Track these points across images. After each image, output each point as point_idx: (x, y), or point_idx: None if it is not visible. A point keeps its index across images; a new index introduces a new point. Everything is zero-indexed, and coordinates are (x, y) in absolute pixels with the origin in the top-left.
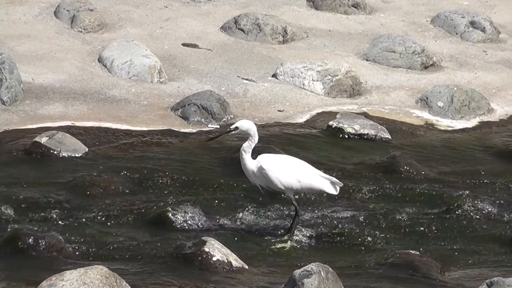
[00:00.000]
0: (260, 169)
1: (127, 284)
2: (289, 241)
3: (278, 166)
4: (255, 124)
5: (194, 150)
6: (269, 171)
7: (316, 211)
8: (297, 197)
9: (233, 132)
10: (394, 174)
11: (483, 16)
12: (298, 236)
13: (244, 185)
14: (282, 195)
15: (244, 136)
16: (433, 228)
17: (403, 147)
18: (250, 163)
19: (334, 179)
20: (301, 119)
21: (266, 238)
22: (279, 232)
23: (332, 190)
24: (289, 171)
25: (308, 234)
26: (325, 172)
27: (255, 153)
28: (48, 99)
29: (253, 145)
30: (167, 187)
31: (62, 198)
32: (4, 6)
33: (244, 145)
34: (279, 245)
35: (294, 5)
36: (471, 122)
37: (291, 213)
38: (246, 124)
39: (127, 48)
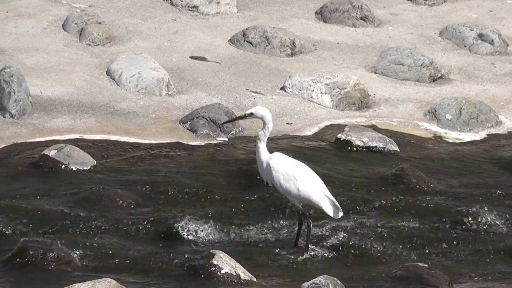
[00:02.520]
0: (268, 165)
1: None
2: (305, 254)
3: (284, 168)
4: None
5: (203, 163)
6: (273, 170)
7: (324, 224)
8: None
9: (248, 117)
10: (403, 186)
11: (492, 29)
12: (301, 250)
13: (253, 198)
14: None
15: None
16: (442, 241)
17: (411, 160)
18: (264, 154)
19: (337, 204)
20: (310, 132)
21: (274, 250)
22: (287, 245)
23: (331, 212)
24: (292, 177)
25: (316, 247)
26: (333, 185)
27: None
28: (56, 112)
29: (267, 133)
30: (175, 200)
31: (70, 211)
32: (12, 19)
33: (259, 133)
34: (297, 258)
35: (303, 17)
36: (480, 135)
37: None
38: (261, 111)
39: (135, 61)
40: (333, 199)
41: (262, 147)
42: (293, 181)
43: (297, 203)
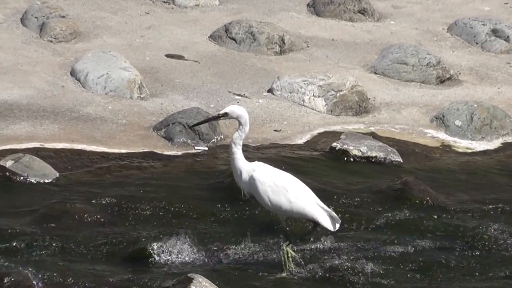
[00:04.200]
0: (251, 178)
1: None
2: (284, 273)
3: (272, 180)
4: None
5: (180, 175)
6: (259, 183)
7: (317, 242)
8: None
9: (221, 118)
10: (406, 202)
11: (507, 24)
12: (296, 270)
13: (235, 214)
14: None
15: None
16: (450, 263)
17: (416, 172)
18: (241, 162)
19: (334, 214)
20: (301, 140)
21: (259, 273)
22: (272, 266)
23: (328, 224)
24: (282, 189)
25: (308, 268)
26: (327, 200)
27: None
28: (13, 118)
29: (243, 136)
30: (148, 216)
31: (29, 229)
32: None
33: (234, 136)
34: (277, 277)
35: (293, 11)
36: (493, 143)
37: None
38: (237, 110)
39: (103, 60)
40: (329, 209)
41: (238, 152)
42: (283, 193)
43: (284, 219)
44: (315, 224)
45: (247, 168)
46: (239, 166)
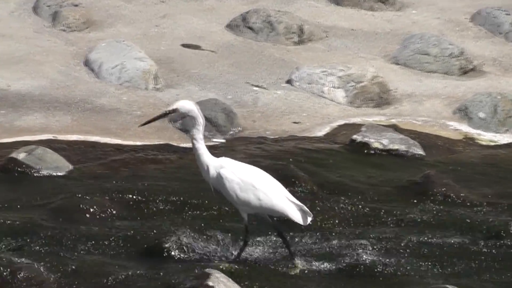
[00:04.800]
0: (219, 175)
1: None
2: (297, 266)
3: (239, 177)
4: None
5: (196, 168)
6: (226, 181)
7: (337, 237)
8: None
9: (171, 114)
10: (428, 196)
11: None
12: (315, 266)
13: None
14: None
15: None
16: (474, 259)
17: (438, 165)
18: (207, 157)
19: (305, 208)
20: (320, 132)
21: (278, 269)
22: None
23: (299, 218)
24: (250, 186)
25: (327, 264)
26: (347, 194)
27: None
28: (26, 109)
29: (202, 129)
30: (164, 210)
31: (42, 224)
32: None
33: (192, 132)
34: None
35: None
36: None
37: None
38: (187, 105)
39: (117, 50)
40: (299, 203)
41: (202, 148)
42: (251, 190)
43: (244, 214)
44: (280, 232)
45: (214, 164)
46: (205, 162)
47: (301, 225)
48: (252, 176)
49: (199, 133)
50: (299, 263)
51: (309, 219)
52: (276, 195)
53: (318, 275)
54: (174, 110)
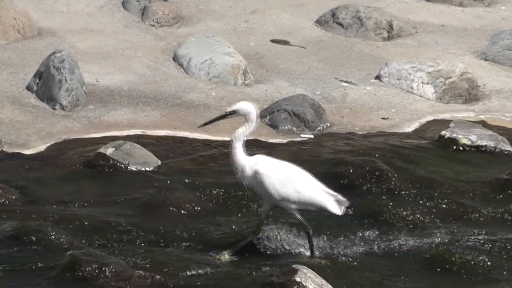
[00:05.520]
0: (255, 173)
1: None
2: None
3: (276, 172)
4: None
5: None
6: (265, 177)
7: (424, 233)
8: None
9: (229, 116)
10: None
11: None
12: (399, 261)
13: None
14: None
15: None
16: None
17: None
18: (242, 157)
19: (340, 197)
20: (409, 128)
21: (368, 266)
22: (385, 260)
23: (336, 209)
24: (288, 180)
25: (412, 260)
26: (435, 189)
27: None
28: (114, 104)
29: (248, 133)
30: (252, 206)
31: (130, 219)
32: None
33: (238, 131)
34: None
35: None
36: None
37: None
38: (246, 107)
39: (206, 45)
40: (335, 193)
41: (239, 148)
42: (290, 184)
43: (294, 210)
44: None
45: (249, 163)
46: (241, 162)
47: (337, 215)
48: (289, 171)
49: (243, 135)
50: (316, 257)
51: (343, 208)
52: (313, 188)
53: (403, 271)
54: (234, 111)
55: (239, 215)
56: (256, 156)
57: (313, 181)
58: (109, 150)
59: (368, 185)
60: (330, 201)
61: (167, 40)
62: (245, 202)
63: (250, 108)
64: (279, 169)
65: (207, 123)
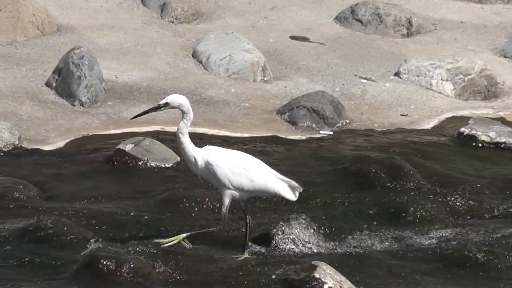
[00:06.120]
0: (208, 164)
1: None
2: (244, 255)
3: (229, 162)
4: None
5: (304, 160)
6: (217, 168)
7: (443, 229)
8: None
9: (162, 108)
10: None
11: None
12: (421, 258)
13: (363, 200)
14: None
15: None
16: None
17: None
18: (193, 149)
19: (294, 183)
20: (428, 124)
21: (387, 262)
22: (405, 256)
23: (290, 195)
24: (242, 169)
25: (432, 258)
26: (454, 186)
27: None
28: (133, 100)
29: (189, 124)
30: (271, 202)
31: (149, 215)
32: None
33: (179, 125)
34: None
35: None
36: None
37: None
38: (178, 99)
39: (226, 42)
40: (288, 179)
41: (187, 141)
42: (243, 173)
43: (227, 204)
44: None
45: (201, 154)
46: (191, 154)
47: (292, 200)
48: (241, 159)
49: (186, 127)
50: (246, 254)
51: (297, 193)
52: (267, 175)
53: (421, 267)
54: (166, 104)
55: (256, 210)
56: (206, 147)
57: (266, 169)
58: (128, 147)
59: (387, 182)
60: (284, 187)
61: (186, 37)
62: (265, 198)
63: (181, 99)
64: (231, 159)
65: (139, 115)
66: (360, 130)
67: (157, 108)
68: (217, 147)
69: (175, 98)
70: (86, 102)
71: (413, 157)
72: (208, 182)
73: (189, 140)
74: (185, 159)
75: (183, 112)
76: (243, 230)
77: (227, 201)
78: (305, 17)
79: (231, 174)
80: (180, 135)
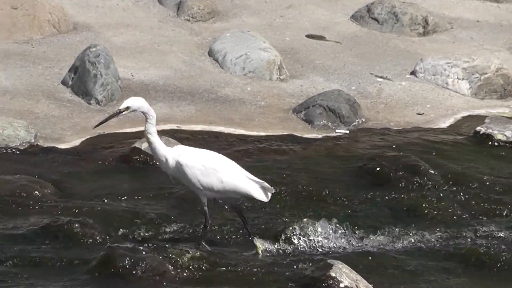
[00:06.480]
0: (178, 164)
1: None
2: (257, 247)
3: (199, 162)
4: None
5: (320, 158)
6: (187, 168)
7: (458, 228)
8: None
9: (124, 112)
10: None
11: None
12: (435, 258)
13: (379, 199)
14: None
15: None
16: None
17: None
18: (163, 149)
19: (266, 184)
20: (444, 123)
21: (403, 261)
22: (422, 256)
23: (262, 196)
24: (211, 170)
25: (448, 257)
26: (470, 186)
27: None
28: (149, 99)
29: (154, 122)
30: (287, 200)
31: (165, 213)
32: None
33: (146, 126)
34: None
35: None
36: None
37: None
38: (136, 102)
39: (242, 40)
40: (259, 180)
41: (157, 141)
42: (214, 174)
43: (205, 201)
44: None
45: (171, 154)
46: (162, 154)
47: (264, 201)
48: (211, 160)
49: (152, 126)
50: (257, 244)
51: (269, 194)
52: (238, 176)
53: (437, 267)
54: (127, 108)
55: (271, 209)
56: (177, 146)
57: (238, 169)
58: (144, 145)
59: (403, 181)
60: (255, 188)
61: (203, 35)
62: (278, 197)
63: (140, 102)
64: (202, 159)
65: (101, 123)
66: (376, 129)
67: (118, 114)
68: (188, 147)
69: (134, 102)
70: (102, 100)
71: (429, 156)
72: (180, 182)
73: (159, 139)
74: (156, 159)
75: (144, 113)
76: (243, 224)
77: (204, 200)
78: (321, 16)
79: (201, 174)
80: (149, 135)
